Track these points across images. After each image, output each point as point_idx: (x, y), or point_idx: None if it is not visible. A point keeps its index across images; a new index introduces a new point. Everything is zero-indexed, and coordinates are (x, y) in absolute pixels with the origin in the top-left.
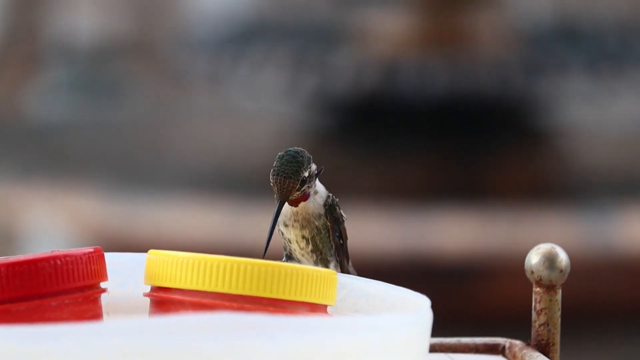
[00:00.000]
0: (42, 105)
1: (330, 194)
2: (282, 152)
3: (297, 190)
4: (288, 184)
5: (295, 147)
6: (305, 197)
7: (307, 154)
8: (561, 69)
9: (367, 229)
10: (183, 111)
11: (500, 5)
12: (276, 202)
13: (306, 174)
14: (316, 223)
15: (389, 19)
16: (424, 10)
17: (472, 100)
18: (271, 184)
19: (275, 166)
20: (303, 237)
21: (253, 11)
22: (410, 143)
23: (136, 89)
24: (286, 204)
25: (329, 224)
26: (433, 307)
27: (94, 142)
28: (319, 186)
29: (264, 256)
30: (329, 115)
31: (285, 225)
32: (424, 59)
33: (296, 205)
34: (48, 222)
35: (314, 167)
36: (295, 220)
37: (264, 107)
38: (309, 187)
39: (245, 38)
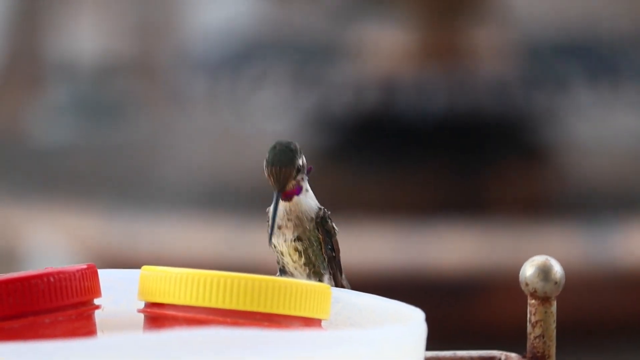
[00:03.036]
0: (44, 126)
1: (322, 207)
2: (274, 143)
3: (294, 179)
4: (285, 172)
5: (285, 139)
6: (297, 190)
7: (297, 144)
8: (560, 84)
9: (366, 245)
10: (182, 131)
11: (499, 21)
12: (274, 193)
13: (300, 163)
14: (307, 226)
15: (387, 35)
16: (422, 26)
17: (471, 115)
18: (266, 175)
19: (269, 157)
20: (296, 249)
21: (250, 30)
22: (409, 159)
23: (136, 110)
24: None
25: (320, 236)
26: (432, 321)
27: (95, 162)
28: (309, 187)
29: (269, 241)
30: (327, 133)
31: (279, 227)
32: (423, 75)
33: (290, 200)
34: (49, 242)
35: (304, 158)
36: (288, 220)
37: (263, 126)
38: (302, 178)
39: (242, 57)
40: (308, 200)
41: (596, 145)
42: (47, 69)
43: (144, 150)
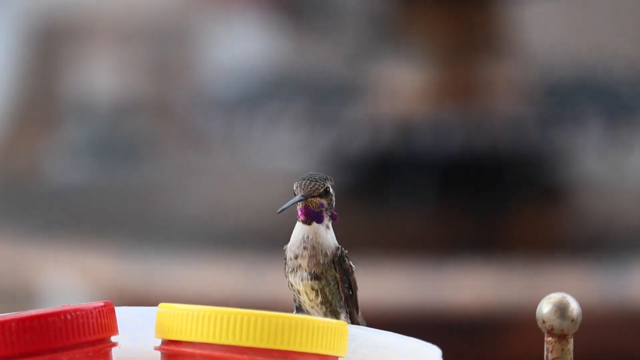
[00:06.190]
0: (60, 166)
1: (340, 246)
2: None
3: (319, 196)
4: (313, 185)
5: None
6: (319, 217)
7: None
8: (577, 122)
9: (382, 283)
10: (199, 170)
11: (515, 58)
12: (295, 195)
13: (330, 188)
14: (321, 260)
15: (403, 73)
16: (438, 65)
17: (487, 153)
18: (294, 189)
19: (299, 178)
20: (312, 288)
21: (266, 69)
22: (425, 198)
23: (153, 149)
24: (300, 225)
25: (337, 275)
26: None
27: (111, 202)
28: (330, 226)
29: (279, 212)
30: (344, 172)
31: (295, 257)
32: (439, 114)
33: (309, 224)
34: (66, 281)
35: (333, 197)
36: (304, 248)
37: (279, 165)
38: (326, 209)
39: (259, 96)
40: (327, 234)
41: (613, 184)
42: (63, 109)
43: (161, 189)
